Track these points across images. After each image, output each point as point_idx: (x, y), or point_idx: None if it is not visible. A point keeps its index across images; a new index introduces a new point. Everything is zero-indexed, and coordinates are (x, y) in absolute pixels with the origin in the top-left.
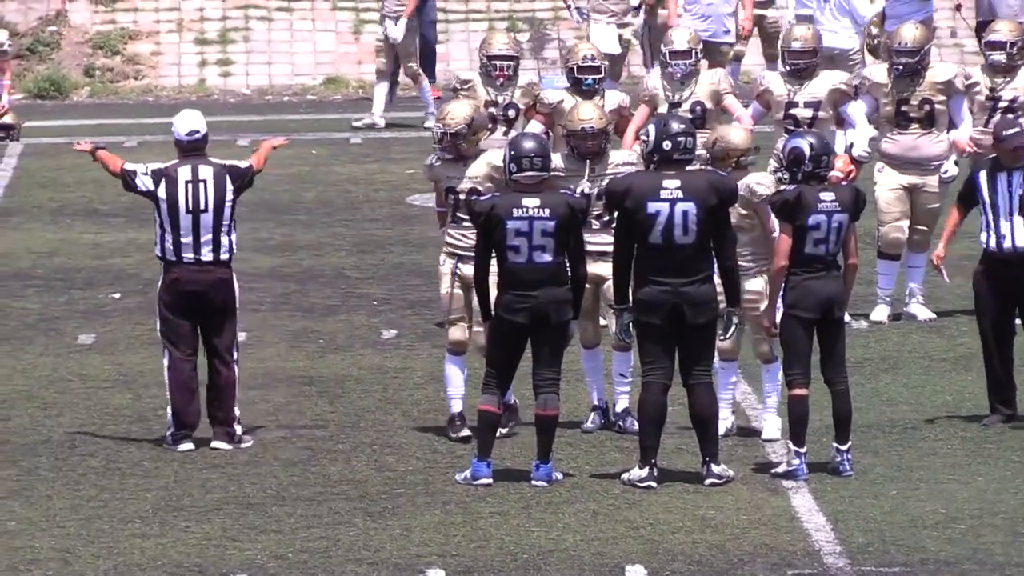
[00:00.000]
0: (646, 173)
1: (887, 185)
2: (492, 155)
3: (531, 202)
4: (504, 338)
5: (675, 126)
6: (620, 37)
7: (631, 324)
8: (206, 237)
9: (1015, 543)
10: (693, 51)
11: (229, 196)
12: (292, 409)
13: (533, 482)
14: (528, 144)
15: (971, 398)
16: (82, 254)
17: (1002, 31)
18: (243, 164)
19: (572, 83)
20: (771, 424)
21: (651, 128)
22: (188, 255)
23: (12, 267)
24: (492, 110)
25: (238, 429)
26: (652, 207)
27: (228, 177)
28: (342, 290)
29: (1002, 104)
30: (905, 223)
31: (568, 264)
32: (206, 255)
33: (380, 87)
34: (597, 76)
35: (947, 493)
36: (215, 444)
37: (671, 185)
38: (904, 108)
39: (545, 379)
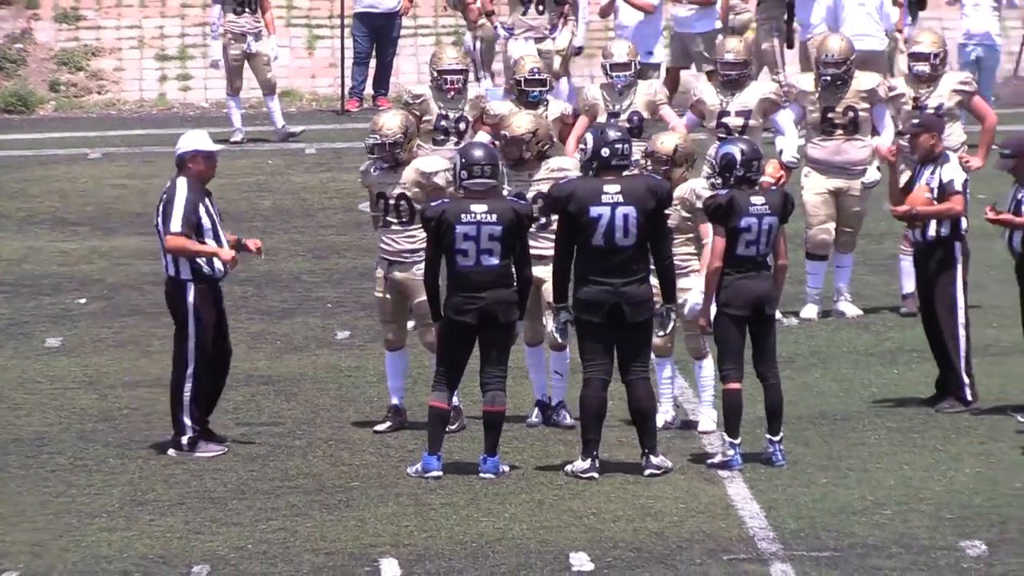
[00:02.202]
0: (587, 179)
1: (814, 189)
2: (420, 162)
3: (479, 208)
4: (453, 338)
5: (612, 134)
6: (539, 52)
7: (568, 323)
8: (160, 250)
9: (939, 527)
10: (632, 63)
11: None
12: (251, 407)
13: (481, 474)
14: (478, 153)
15: (897, 390)
16: (49, 261)
17: (925, 43)
18: (171, 188)
19: (518, 95)
20: (707, 417)
21: (589, 137)
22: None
23: None
24: (443, 123)
25: (184, 437)
26: (595, 211)
27: (163, 196)
28: (298, 294)
29: (927, 112)
30: (832, 225)
31: (514, 267)
32: (167, 269)
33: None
34: (542, 88)
35: (874, 481)
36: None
37: (611, 190)
38: (830, 115)
39: (492, 377)
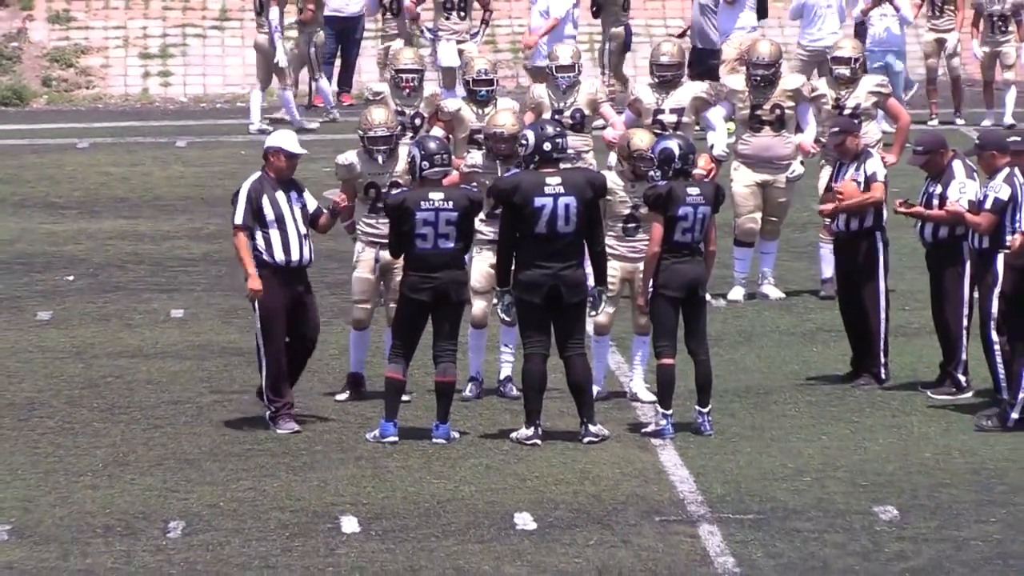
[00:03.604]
0: (530, 172)
1: (742, 182)
2: (405, 151)
3: (436, 196)
4: (410, 314)
5: (551, 130)
6: (461, 52)
7: (511, 304)
8: None
9: (854, 493)
10: (575, 65)
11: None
12: (224, 377)
13: (434, 440)
14: (433, 145)
15: (816, 367)
16: (40, 241)
17: (846, 48)
18: (239, 187)
19: (468, 94)
20: (641, 389)
21: (529, 133)
22: None
23: None
24: (400, 118)
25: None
26: (538, 201)
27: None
28: None
29: (846, 111)
30: (758, 215)
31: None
32: None
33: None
34: (489, 88)
35: (795, 450)
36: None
37: (553, 182)
38: (758, 112)
39: (444, 350)
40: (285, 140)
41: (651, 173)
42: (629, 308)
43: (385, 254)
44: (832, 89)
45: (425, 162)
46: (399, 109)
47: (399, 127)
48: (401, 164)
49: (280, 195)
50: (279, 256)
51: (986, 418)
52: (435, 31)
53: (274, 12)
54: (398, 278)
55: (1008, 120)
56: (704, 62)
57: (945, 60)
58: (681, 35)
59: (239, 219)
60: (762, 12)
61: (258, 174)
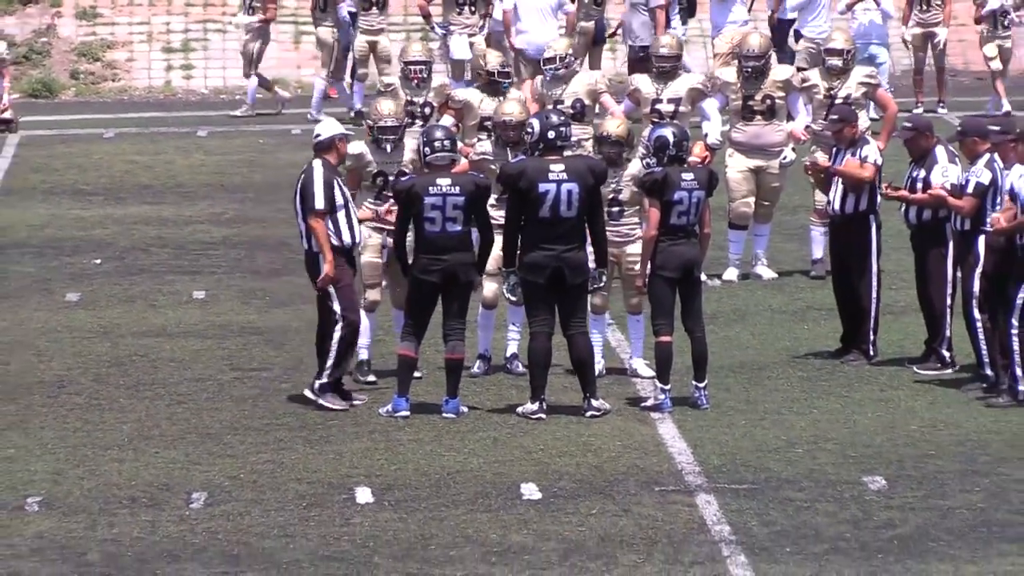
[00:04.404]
0: (535, 159)
1: (736, 168)
2: (411, 142)
3: (444, 181)
4: (420, 294)
5: (555, 119)
6: (471, 45)
7: (516, 285)
8: (301, 227)
9: (844, 463)
10: (557, 57)
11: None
12: (243, 355)
13: (443, 414)
14: (438, 133)
15: (807, 344)
16: (69, 227)
17: (839, 41)
18: (309, 171)
19: (488, 85)
20: (640, 365)
21: (534, 122)
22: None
23: (11, 238)
24: (409, 107)
25: (316, 383)
26: (543, 187)
27: (301, 177)
28: (285, 256)
29: (838, 101)
30: (751, 199)
31: (477, 231)
32: (304, 243)
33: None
34: (510, 80)
35: (787, 423)
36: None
37: (556, 168)
38: (750, 103)
39: (453, 329)
40: (338, 127)
41: (647, 160)
42: (620, 288)
43: (391, 238)
44: (824, 80)
45: (427, 148)
46: (409, 99)
47: (406, 118)
48: (408, 154)
49: (339, 182)
50: (347, 238)
51: (996, 395)
52: (446, 25)
53: (343, 7)
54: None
55: (1006, 107)
56: (637, 60)
57: (932, 52)
58: (612, 35)
59: (320, 203)
60: (691, 11)
61: (319, 160)
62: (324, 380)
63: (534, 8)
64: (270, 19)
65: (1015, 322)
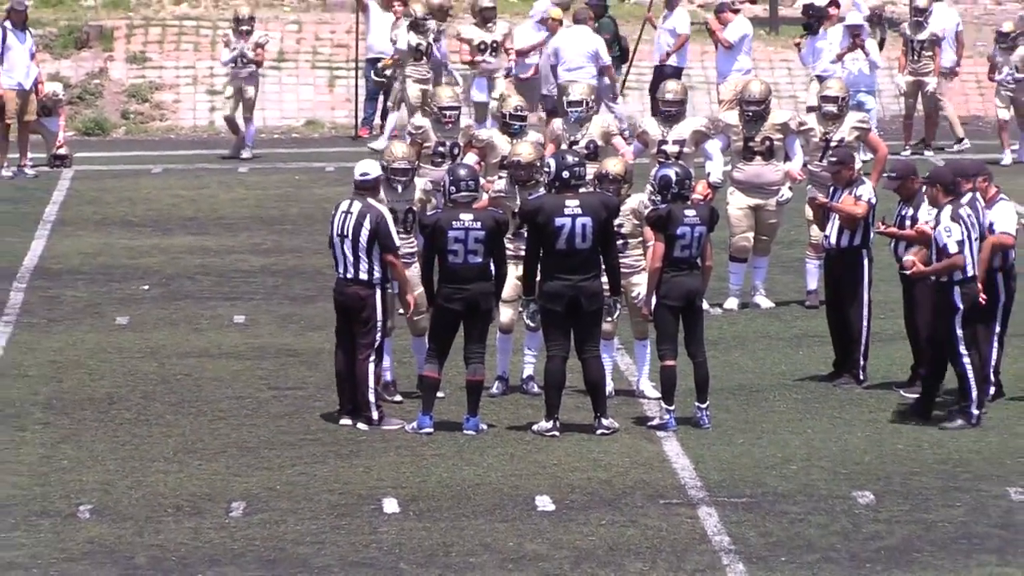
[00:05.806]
0: (551, 195)
1: (736, 205)
2: (423, 182)
3: (466, 216)
4: (443, 321)
5: (570, 159)
6: (491, 88)
7: (536, 312)
8: (350, 259)
9: (835, 479)
10: (584, 101)
11: (365, 229)
12: (280, 375)
13: (464, 431)
14: (463, 172)
15: (801, 369)
16: (119, 255)
17: (834, 88)
18: (381, 214)
19: (503, 127)
20: (647, 387)
21: (552, 161)
22: (340, 270)
23: (65, 265)
24: (441, 148)
25: (374, 414)
26: (559, 221)
27: (368, 216)
28: (319, 284)
29: (833, 144)
30: (751, 234)
31: (494, 265)
32: (349, 273)
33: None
34: (523, 123)
35: (783, 441)
36: (344, 421)
37: (572, 204)
38: (750, 144)
39: (474, 352)
40: (378, 166)
41: (652, 197)
42: (627, 315)
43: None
44: (820, 124)
45: (453, 187)
46: (440, 140)
47: (437, 157)
48: (417, 193)
49: None
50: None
51: (950, 419)
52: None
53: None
54: (418, 290)
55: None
56: (551, 105)
57: (922, 98)
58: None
59: (398, 242)
60: (623, 58)
61: (378, 204)
62: (371, 398)
63: (577, 53)
64: (260, 63)
65: (963, 350)
